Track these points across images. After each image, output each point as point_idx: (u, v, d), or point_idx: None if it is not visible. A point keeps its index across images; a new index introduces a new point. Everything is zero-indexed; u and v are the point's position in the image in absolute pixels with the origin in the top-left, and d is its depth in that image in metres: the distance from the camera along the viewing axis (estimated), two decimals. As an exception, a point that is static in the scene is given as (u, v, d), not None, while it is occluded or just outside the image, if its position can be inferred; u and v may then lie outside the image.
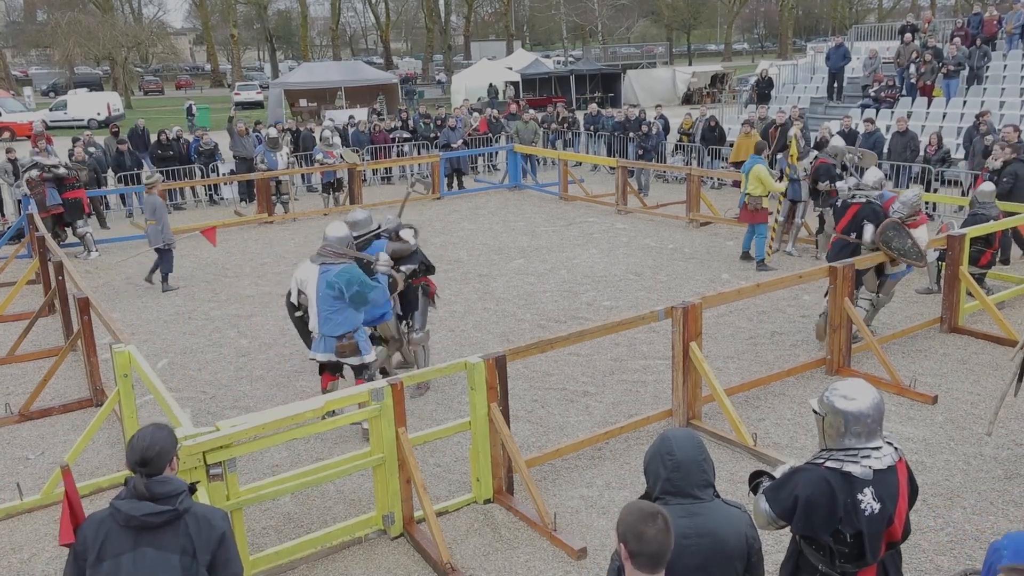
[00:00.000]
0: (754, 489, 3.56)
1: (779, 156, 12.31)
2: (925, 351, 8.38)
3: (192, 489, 3.20)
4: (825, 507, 3.23)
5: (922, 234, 8.48)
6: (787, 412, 7.08)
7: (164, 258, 11.68)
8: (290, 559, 5.23)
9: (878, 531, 3.28)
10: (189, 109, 37.27)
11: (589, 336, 6.56)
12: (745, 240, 12.03)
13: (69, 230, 13.92)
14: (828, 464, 3.31)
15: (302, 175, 18.69)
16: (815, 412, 3.47)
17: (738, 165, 14.88)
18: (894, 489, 3.30)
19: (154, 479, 3.06)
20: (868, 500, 3.23)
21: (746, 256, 11.95)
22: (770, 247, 11.84)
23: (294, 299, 6.94)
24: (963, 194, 13.52)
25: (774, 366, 8.03)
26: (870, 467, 3.26)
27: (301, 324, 7.05)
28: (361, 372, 6.87)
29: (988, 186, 9.95)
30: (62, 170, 13.50)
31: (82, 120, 36.13)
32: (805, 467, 3.38)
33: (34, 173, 13.25)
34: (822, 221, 11.87)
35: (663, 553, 2.61)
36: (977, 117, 14.81)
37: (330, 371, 7.00)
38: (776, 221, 12.38)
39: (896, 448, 3.39)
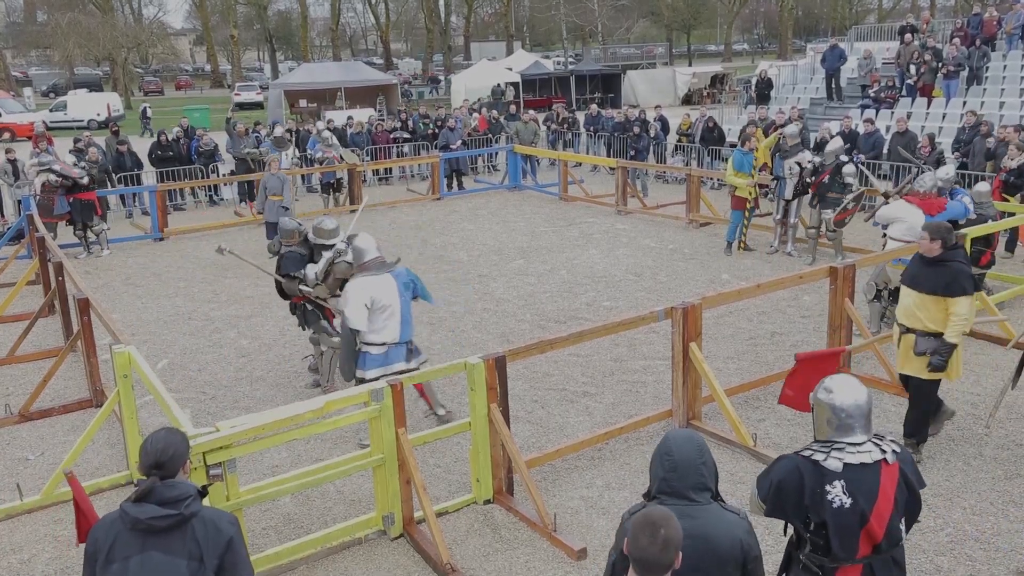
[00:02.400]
0: None
1: (776, 154, 12.36)
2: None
3: (202, 493, 3.18)
4: (793, 493, 3.34)
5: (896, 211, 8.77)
6: (787, 412, 7.07)
7: None
8: (290, 560, 5.23)
9: (848, 526, 3.30)
10: (144, 112, 35.04)
11: (589, 336, 6.56)
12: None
13: (72, 228, 13.89)
14: (803, 453, 3.41)
15: (302, 175, 18.68)
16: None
17: None
18: (871, 488, 3.31)
19: (163, 483, 3.05)
20: (837, 492, 3.29)
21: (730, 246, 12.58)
22: (743, 242, 12.50)
23: (360, 324, 6.44)
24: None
25: (774, 366, 8.02)
26: (840, 459, 3.33)
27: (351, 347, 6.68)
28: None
29: (984, 186, 9.96)
30: (85, 179, 13.49)
31: (82, 120, 36.12)
32: (787, 454, 3.49)
33: (52, 178, 13.20)
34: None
35: (653, 564, 2.62)
36: (972, 115, 14.83)
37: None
38: (774, 220, 12.45)
39: (885, 450, 3.39)
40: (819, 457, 3.34)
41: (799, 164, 11.90)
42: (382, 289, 6.50)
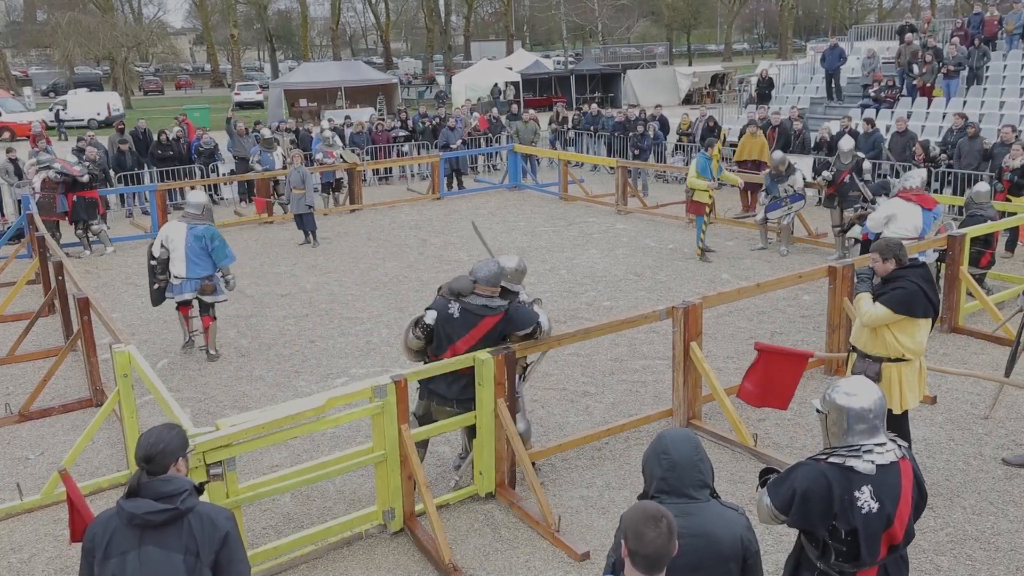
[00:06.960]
0: (763, 484, 3.58)
1: (770, 176, 12.43)
2: (925, 351, 8.35)
3: (199, 489, 3.19)
4: (821, 501, 3.25)
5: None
6: (787, 412, 7.03)
7: (308, 221, 13.75)
8: (290, 556, 5.23)
9: (875, 531, 3.27)
10: (56, 115, 34.31)
11: (595, 334, 6.58)
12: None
13: (73, 226, 13.88)
14: (831, 460, 3.32)
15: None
16: (817, 411, 3.48)
17: (741, 165, 14.89)
18: (895, 489, 3.29)
19: (157, 478, 3.06)
20: (866, 498, 3.24)
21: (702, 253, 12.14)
22: (701, 244, 12.06)
23: (156, 252, 8.76)
24: (955, 193, 13.60)
25: (774, 366, 8.01)
26: (872, 462, 3.27)
27: (152, 272, 8.88)
28: (207, 310, 8.86)
29: (983, 186, 9.96)
30: (86, 178, 13.50)
31: (82, 120, 36.07)
32: (805, 462, 3.41)
33: (52, 175, 13.19)
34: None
35: (660, 556, 2.61)
36: (960, 117, 14.86)
37: (185, 305, 9.02)
38: (757, 220, 12.48)
39: (900, 446, 3.39)
40: (853, 462, 3.26)
41: (792, 187, 11.97)
42: (174, 232, 8.73)
